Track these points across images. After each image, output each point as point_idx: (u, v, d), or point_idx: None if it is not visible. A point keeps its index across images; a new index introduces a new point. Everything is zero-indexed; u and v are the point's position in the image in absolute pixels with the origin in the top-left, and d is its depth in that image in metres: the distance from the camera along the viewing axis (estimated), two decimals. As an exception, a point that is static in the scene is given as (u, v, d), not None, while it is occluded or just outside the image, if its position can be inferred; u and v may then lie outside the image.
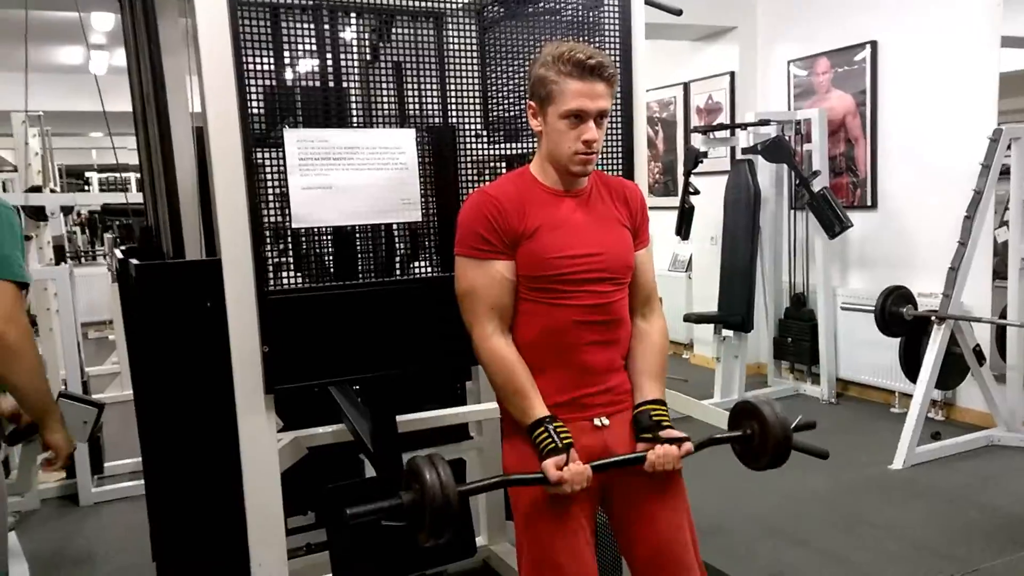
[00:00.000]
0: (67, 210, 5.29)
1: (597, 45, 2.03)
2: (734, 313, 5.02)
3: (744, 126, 5.03)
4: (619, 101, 2.08)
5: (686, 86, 6.29)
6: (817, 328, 5.24)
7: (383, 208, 1.83)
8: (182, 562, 1.85)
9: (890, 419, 4.74)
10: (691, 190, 5.27)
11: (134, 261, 1.79)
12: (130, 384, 3.23)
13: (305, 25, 1.75)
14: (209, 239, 1.99)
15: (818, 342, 5.23)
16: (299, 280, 1.79)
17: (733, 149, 5.35)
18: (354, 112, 1.83)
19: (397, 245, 1.91)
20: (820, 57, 5.34)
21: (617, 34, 2.07)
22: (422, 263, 1.94)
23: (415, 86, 1.88)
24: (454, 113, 1.93)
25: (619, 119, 2.09)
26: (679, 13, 3.17)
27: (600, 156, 2.08)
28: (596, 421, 1.75)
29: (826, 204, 4.82)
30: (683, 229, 5.36)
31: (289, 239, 1.76)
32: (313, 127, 1.76)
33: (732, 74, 5.80)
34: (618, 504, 1.78)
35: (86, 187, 12.35)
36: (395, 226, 1.89)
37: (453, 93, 1.93)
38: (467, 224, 1.69)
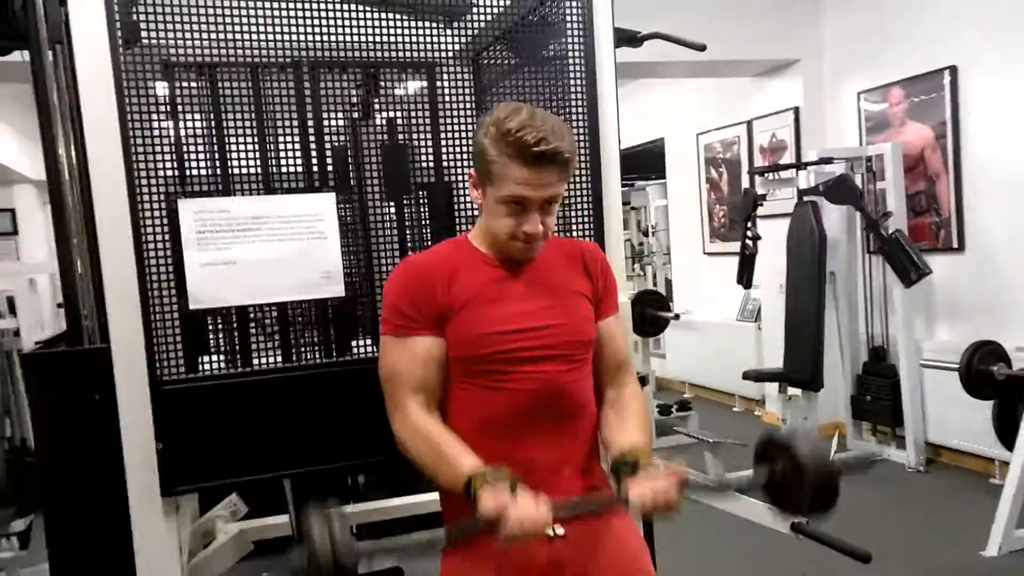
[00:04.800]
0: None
1: (554, 90, 1.78)
2: (800, 370, 4.55)
3: (804, 165, 4.62)
4: (586, 151, 1.81)
5: (749, 124, 5.91)
6: (900, 385, 4.69)
7: (298, 283, 1.61)
8: None
9: (988, 492, 4.13)
10: (751, 235, 4.89)
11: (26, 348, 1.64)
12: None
13: (196, 83, 1.57)
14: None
15: (901, 401, 4.67)
16: (196, 368, 1.58)
17: (800, 190, 4.93)
18: (261, 177, 1.63)
19: (310, 326, 1.68)
20: (893, 87, 4.88)
21: (582, 71, 1.81)
22: (350, 345, 1.71)
23: (333, 144, 1.68)
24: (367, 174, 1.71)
25: (587, 171, 1.82)
26: (702, 48, 2.89)
27: (565, 216, 1.82)
28: (547, 530, 1.44)
29: (899, 249, 4.33)
30: (744, 277, 4.98)
31: (184, 322, 1.56)
32: (211, 196, 1.57)
33: (796, 110, 5.39)
34: None
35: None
36: (310, 304, 1.67)
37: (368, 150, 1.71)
38: (387, 298, 1.46)
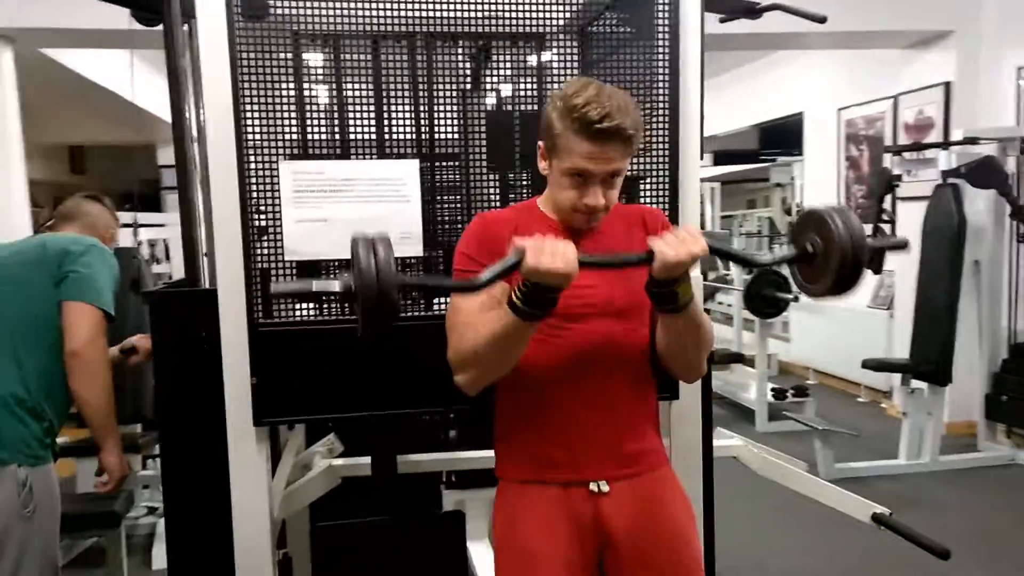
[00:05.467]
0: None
1: (640, 64, 1.80)
2: (927, 361, 4.31)
3: (947, 145, 4.32)
4: (667, 124, 1.82)
5: (895, 100, 5.56)
6: (1042, 387, 4.36)
7: (381, 242, 1.74)
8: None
9: None
10: (884, 218, 4.66)
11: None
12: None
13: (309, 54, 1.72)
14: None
15: (1042, 404, 4.34)
16: (288, 314, 1.75)
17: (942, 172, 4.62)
18: (355, 143, 1.76)
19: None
20: (1059, 62, 4.46)
21: (667, 42, 1.82)
22: (422, 301, 1.83)
23: (424, 114, 1.78)
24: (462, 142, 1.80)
25: (666, 141, 1.83)
26: (822, 20, 2.79)
27: (643, 191, 1.86)
28: (592, 486, 1.52)
29: (1049, 239, 4.00)
30: (874, 262, 4.74)
31: (282, 271, 1.73)
32: (310, 158, 1.72)
33: (947, 85, 5.02)
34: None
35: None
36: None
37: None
38: (460, 247, 1.55)
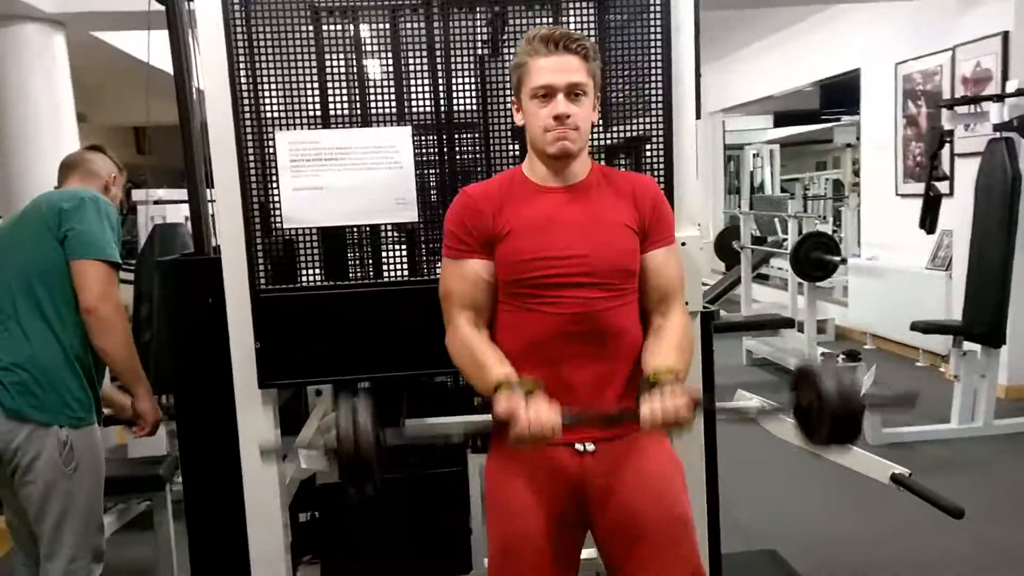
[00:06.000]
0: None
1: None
2: (979, 322, 4.15)
3: (1001, 97, 4.12)
4: (660, 90, 1.80)
5: (952, 52, 5.30)
6: (1104, 348, 4.16)
7: (376, 209, 1.79)
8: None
9: None
10: (938, 175, 4.49)
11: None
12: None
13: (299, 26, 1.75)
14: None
15: (1104, 366, 4.15)
16: (289, 280, 1.81)
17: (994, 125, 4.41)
18: (347, 111, 1.80)
19: (390, 246, 1.85)
20: None
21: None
22: (415, 265, 1.86)
23: (414, 82, 1.81)
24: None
25: (659, 108, 1.82)
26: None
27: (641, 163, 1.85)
28: (578, 446, 1.55)
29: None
30: (928, 221, 4.60)
31: (280, 239, 1.80)
32: (304, 128, 1.77)
33: (1005, 35, 4.76)
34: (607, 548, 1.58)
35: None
36: (388, 227, 1.84)
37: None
38: (446, 224, 1.61)
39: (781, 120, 12.23)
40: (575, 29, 1.79)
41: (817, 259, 4.97)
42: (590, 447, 1.56)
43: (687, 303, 1.85)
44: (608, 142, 1.87)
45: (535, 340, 1.54)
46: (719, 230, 8.08)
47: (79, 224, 2.04)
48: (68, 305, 2.06)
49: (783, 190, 12.66)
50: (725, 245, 6.69)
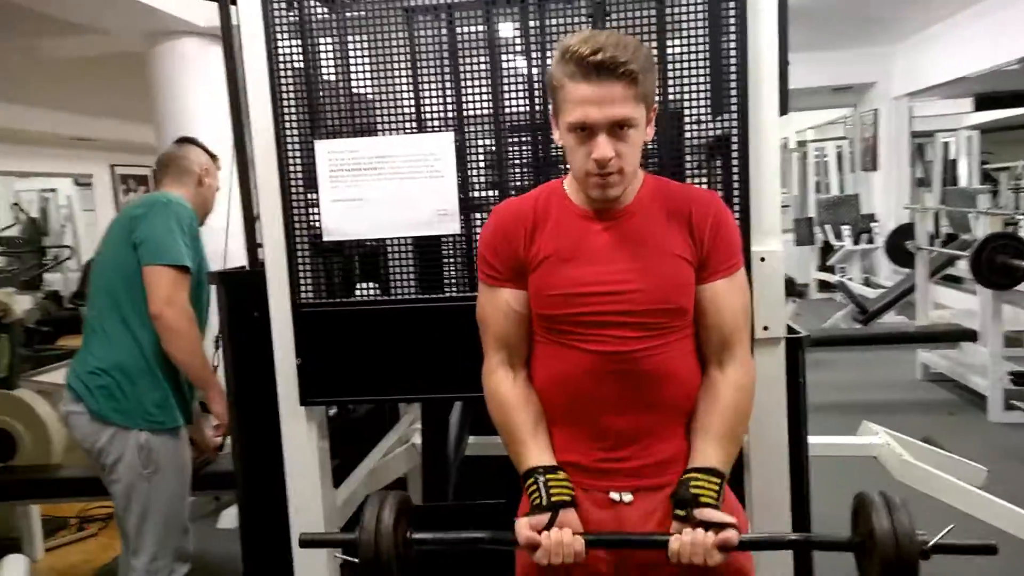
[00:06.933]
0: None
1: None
2: None
3: None
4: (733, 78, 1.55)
5: None
6: None
7: (416, 220, 1.67)
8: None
9: None
10: None
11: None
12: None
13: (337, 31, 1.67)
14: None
15: None
16: (330, 294, 1.74)
17: None
18: (385, 118, 1.69)
19: (428, 260, 1.72)
20: None
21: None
22: (462, 280, 1.72)
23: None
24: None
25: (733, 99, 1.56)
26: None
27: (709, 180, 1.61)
28: (613, 495, 1.37)
29: None
30: None
31: (322, 252, 1.72)
32: (343, 136, 1.68)
33: None
34: None
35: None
36: (430, 240, 1.71)
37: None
38: (479, 246, 1.45)
39: (984, 103, 10.89)
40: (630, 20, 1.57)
41: (1003, 264, 4.31)
42: (627, 497, 1.36)
43: (766, 328, 1.61)
44: (672, 147, 1.64)
45: (567, 377, 1.37)
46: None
47: (148, 230, 2.08)
48: (146, 311, 2.12)
49: (986, 180, 11.28)
50: (897, 245, 6.00)
